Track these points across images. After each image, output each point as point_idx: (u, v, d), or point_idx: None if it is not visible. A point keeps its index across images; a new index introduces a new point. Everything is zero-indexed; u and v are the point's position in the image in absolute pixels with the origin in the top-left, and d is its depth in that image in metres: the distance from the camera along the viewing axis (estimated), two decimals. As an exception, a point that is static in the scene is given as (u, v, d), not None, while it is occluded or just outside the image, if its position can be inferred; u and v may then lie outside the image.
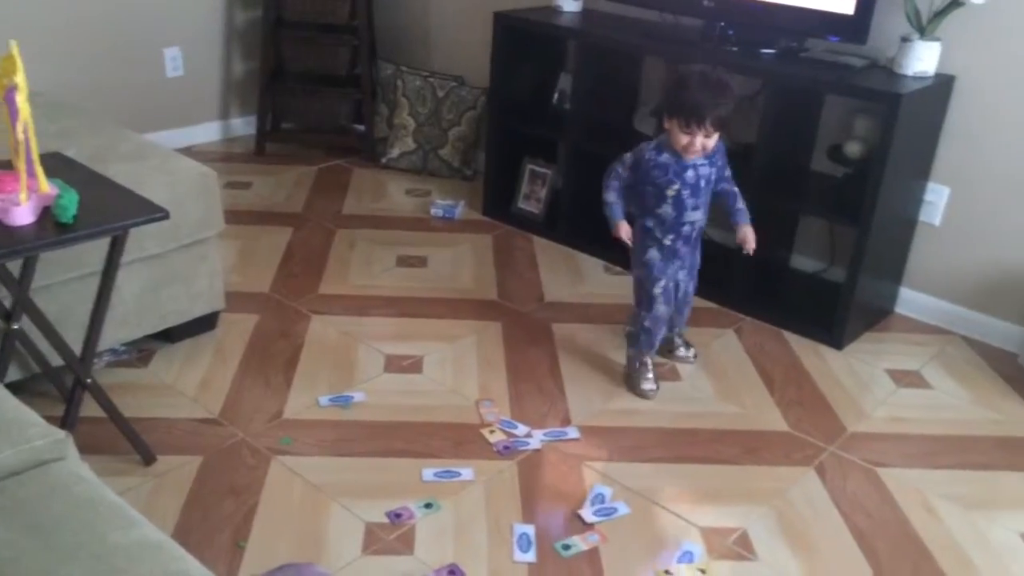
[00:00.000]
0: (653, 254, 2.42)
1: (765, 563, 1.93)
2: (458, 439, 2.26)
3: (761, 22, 2.88)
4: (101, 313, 2.00)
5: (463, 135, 3.91)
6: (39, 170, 1.79)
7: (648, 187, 2.37)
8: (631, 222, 2.43)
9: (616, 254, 3.22)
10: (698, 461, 2.25)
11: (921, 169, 2.82)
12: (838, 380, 2.63)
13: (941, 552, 1.99)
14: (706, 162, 2.35)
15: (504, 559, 1.89)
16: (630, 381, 2.52)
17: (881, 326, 2.94)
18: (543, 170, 3.51)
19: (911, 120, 2.58)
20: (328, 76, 4.08)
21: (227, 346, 2.60)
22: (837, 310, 2.77)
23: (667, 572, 1.88)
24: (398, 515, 1.99)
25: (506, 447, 2.24)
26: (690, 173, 2.33)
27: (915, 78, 2.64)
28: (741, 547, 1.97)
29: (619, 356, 2.62)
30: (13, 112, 1.70)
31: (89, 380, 2.01)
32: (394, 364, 2.57)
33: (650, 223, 2.41)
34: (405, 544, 1.91)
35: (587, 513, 2.03)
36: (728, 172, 2.44)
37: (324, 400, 2.38)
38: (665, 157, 2.33)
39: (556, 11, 3.34)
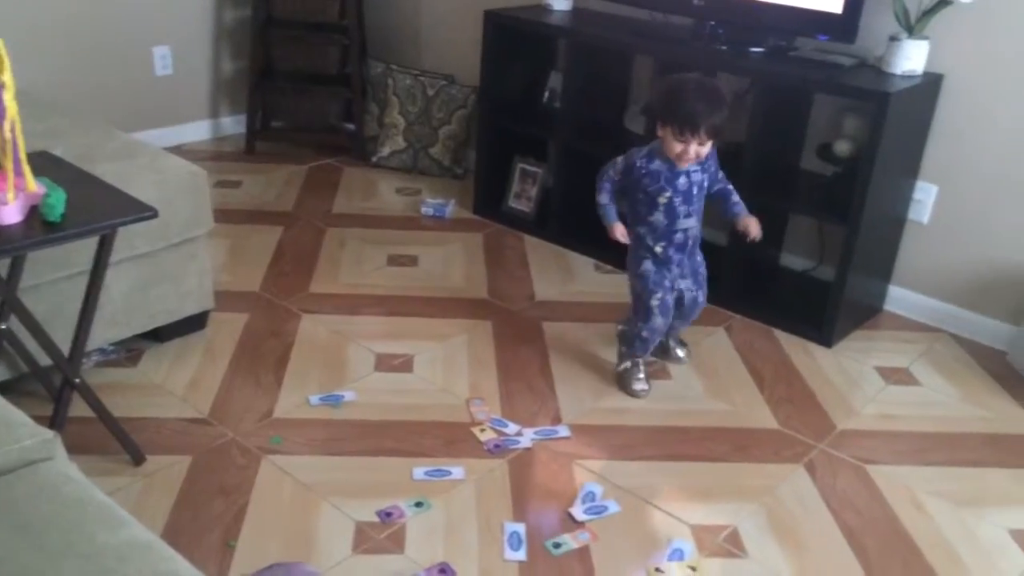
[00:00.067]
0: (648, 266, 2.41)
1: (755, 560, 1.94)
2: (449, 438, 2.26)
3: (750, 21, 2.89)
4: (89, 312, 1.99)
5: (453, 134, 3.91)
6: (26, 169, 1.78)
7: (639, 194, 2.36)
8: (625, 223, 2.42)
9: (607, 253, 3.23)
10: (688, 459, 2.25)
11: (910, 168, 2.83)
12: (828, 378, 2.64)
13: (930, 549, 2.00)
14: (699, 168, 2.34)
15: (495, 558, 1.89)
16: (621, 380, 2.52)
17: (870, 324, 2.95)
18: (534, 169, 3.51)
19: (899, 119, 2.59)
20: (318, 75, 4.07)
21: (217, 345, 2.59)
22: (827, 308, 2.78)
23: (658, 570, 1.89)
24: (388, 514, 1.99)
25: (497, 446, 2.24)
26: (682, 180, 2.32)
27: (903, 77, 2.65)
28: (731, 544, 1.98)
29: (610, 355, 2.63)
30: (0, 111, 1.69)
31: (78, 380, 2.00)
32: (384, 363, 2.56)
33: (642, 230, 2.40)
34: (395, 543, 1.91)
35: (578, 511, 2.03)
36: (720, 173, 2.44)
37: (314, 399, 2.38)
38: (656, 164, 2.32)
39: (546, 10, 3.34)
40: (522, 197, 3.53)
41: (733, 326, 2.89)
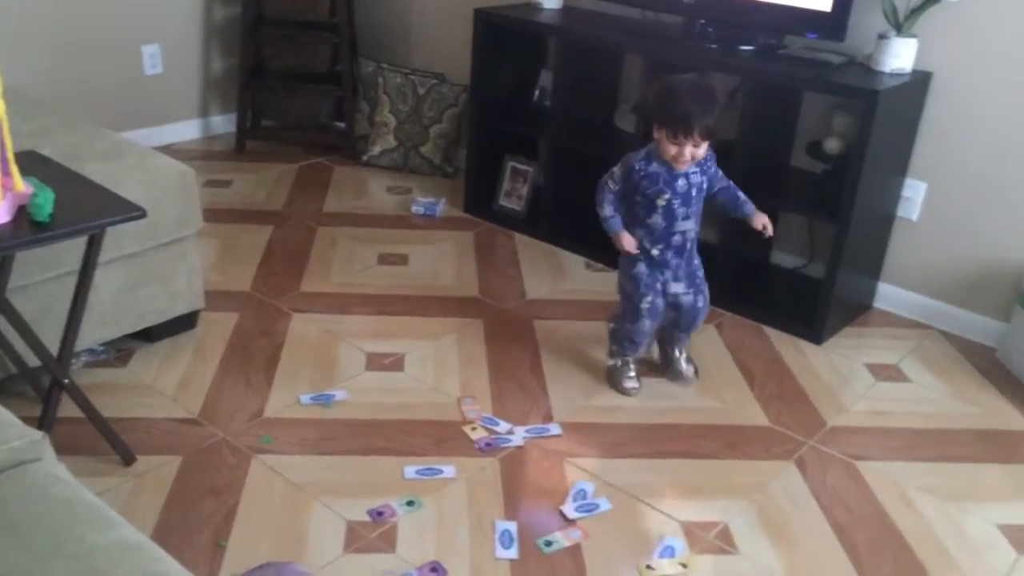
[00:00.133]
0: (641, 268, 2.38)
1: (746, 557, 1.94)
2: (440, 436, 2.26)
3: (740, 19, 2.89)
4: (78, 313, 1.98)
5: (444, 132, 3.91)
6: (14, 169, 1.77)
7: (637, 197, 2.32)
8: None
9: (598, 251, 3.24)
10: (679, 456, 2.26)
11: (899, 165, 2.85)
12: (818, 375, 2.65)
13: (920, 544, 2.01)
14: (697, 170, 2.31)
15: (486, 556, 1.89)
16: (612, 378, 2.52)
17: (860, 321, 2.97)
18: (524, 167, 3.51)
19: (888, 116, 2.60)
20: (308, 73, 4.07)
21: (207, 345, 2.58)
22: (817, 305, 2.79)
23: (649, 567, 1.89)
24: (380, 513, 1.98)
25: (488, 444, 2.24)
26: (681, 182, 2.30)
27: (892, 75, 2.66)
28: (722, 541, 1.98)
29: (601, 353, 2.63)
30: (-13, 110, 1.69)
31: (67, 380, 2.00)
32: (375, 362, 2.56)
33: (640, 233, 2.36)
34: (387, 542, 1.91)
35: (569, 509, 2.04)
36: (720, 172, 2.41)
37: (305, 399, 2.37)
38: (655, 167, 2.29)
39: (537, 8, 3.34)
40: (513, 196, 3.53)
41: (724, 324, 2.89)
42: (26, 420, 1.46)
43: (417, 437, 2.25)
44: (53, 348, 2.00)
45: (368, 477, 2.10)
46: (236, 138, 4.08)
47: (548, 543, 1.94)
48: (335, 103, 4.16)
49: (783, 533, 2.02)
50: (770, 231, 2.42)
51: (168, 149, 3.91)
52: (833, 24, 2.68)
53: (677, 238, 2.35)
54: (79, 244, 1.93)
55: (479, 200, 3.56)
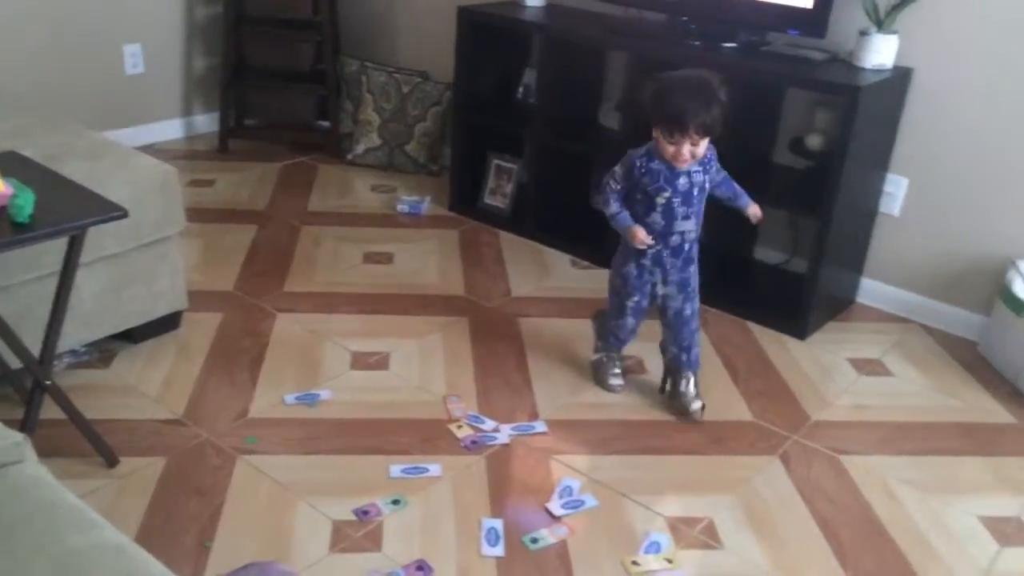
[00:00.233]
0: (631, 269, 2.33)
1: (731, 552, 1.95)
2: (425, 435, 2.26)
3: (723, 16, 2.90)
4: (60, 314, 1.97)
5: (428, 131, 3.90)
6: (-7, 169, 1.76)
7: (638, 195, 2.26)
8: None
9: (582, 248, 3.25)
10: (664, 452, 2.27)
11: (880, 160, 2.86)
12: (801, 370, 2.66)
13: (902, 536, 2.02)
14: (700, 168, 2.24)
15: (472, 553, 1.89)
16: (597, 374, 2.53)
17: (843, 316, 2.98)
18: (509, 165, 3.51)
19: (870, 112, 2.61)
20: (291, 72, 4.06)
21: (191, 346, 2.57)
22: (800, 301, 2.80)
23: (635, 563, 1.90)
24: (365, 512, 1.98)
25: (474, 442, 2.24)
26: (683, 180, 2.22)
27: (873, 71, 2.68)
28: (707, 536, 1.99)
29: (586, 350, 2.63)
30: (-35, 110, 1.67)
31: (49, 382, 1.98)
32: (361, 361, 2.56)
33: None
34: (373, 541, 1.91)
35: (555, 506, 2.04)
36: (717, 166, 2.33)
37: (290, 398, 2.37)
38: (656, 163, 2.21)
39: (520, 6, 3.34)
40: (497, 193, 3.53)
41: (708, 320, 2.90)
42: (8, 422, 1.45)
43: (403, 436, 2.25)
44: (35, 350, 1.98)
45: (353, 476, 2.10)
46: (219, 137, 4.06)
47: (534, 540, 1.94)
48: (319, 102, 4.15)
49: (768, 527, 2.03)
50: (759, 218, 2.40)
51: (150, 149, 3.89)
52: (815, 21, 2.69)
53: (675, 238, 2.28)
54: (60, 245, 1.92)
55: (464, 198, 3.56)
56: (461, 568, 1.85)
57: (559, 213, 3.39)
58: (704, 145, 2.18)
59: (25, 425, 1.99)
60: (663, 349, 2.47)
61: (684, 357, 2.39)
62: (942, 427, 2.44)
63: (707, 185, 2.28)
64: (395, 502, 2.02)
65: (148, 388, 2.37)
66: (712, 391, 2.52)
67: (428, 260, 3.19)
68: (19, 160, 2.03)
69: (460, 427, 2.29)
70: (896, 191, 2.90)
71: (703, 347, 2.73)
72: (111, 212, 1.85)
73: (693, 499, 2.10)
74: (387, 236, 3.35)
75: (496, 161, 3.53)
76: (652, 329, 2.47)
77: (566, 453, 2.23)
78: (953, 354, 2.79)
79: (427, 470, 2.13)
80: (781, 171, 3.04)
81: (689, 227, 2.28)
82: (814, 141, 2.86)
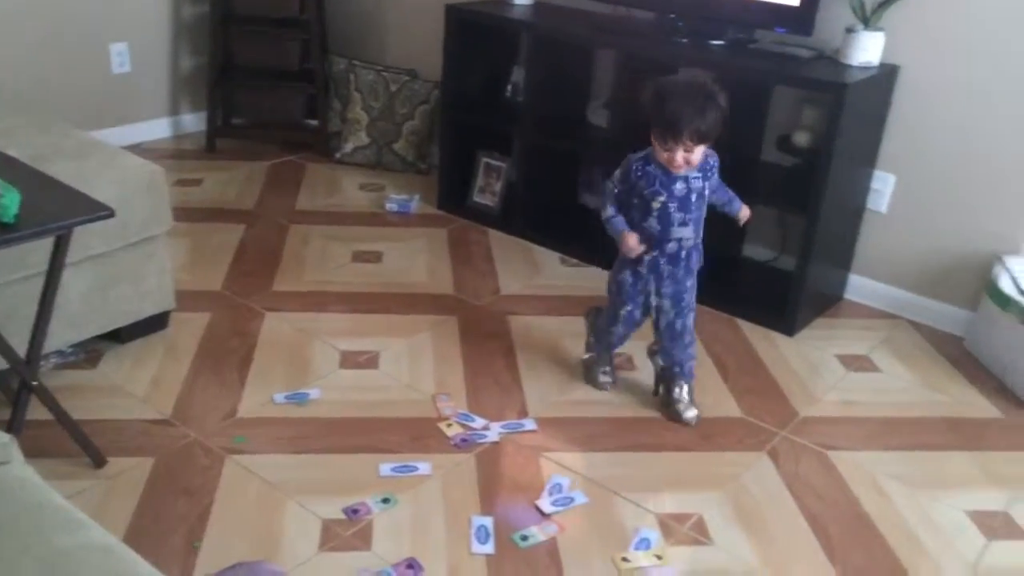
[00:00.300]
0: (626, 276, 2.30)
1: (721, 548, 1.96)
2: (415, 433, 2.26)
3: (710, 14, 2.91)
4: (46, 314, 1.96)
5: (417, 129, 3.90)
6: (-22, 169, 1.75)
7: (634, 199, 2.23)
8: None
9: (572, 246, 3.25)
10: (654, 449, 2.27)
11: (867, 157, 2.88)
12: (790, 366, 2.67)
13: (890, 531, 2.03)
14: (699, 175, 2.20)
15: (462, 551, 1.89)
16: (587, 373, 2.53)
17: (831, 312, 3.00)
18: (497, 163, 3.51)
19: (857, 109, 2.62)
20: (279, 71, 4.04)
21: (179, 345, 2.56)
22: (788, 297, 2.81)
23: (625, 559, 1.90)
24: (355, 511, 1.98)
25: (463, 440, 2.24)
26: (680, 185, 2.18)
27: (860, 68, 2.69)
28: (697, 532, 2.00)
29: (575, 347, 2.63)
30: (-51, 109, 1.66)
31: (35, 383, 1.97)
32: (350, 360, 2.55)
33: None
34: (362, 540, 1.91)
35: (545, 503, 2.04)
36: (716, 177, 2.30)
37: (279, 397, 2.36)
38: (653, 167, 2.18)
39: (508, 4, 3.33)
40: (486, 192, 3.53)
41: (697, 318, 2.90)
42: (-7, 423, 1.45)
43: (392, 434, 2.25)
44: (21, 350, 1.97)
45: (343, 475, 2.10)
46: (206, 136, 4.05)
47: (524, 538, 1.94)
48: (306, 100, 4.14)
49: (757, 523, 2.04)
50: (748, 217, 2.40)
51: (137, 148, 3.87)
52: (802, 18, 2.71)
53: (672, 245, 2.24)
54: (46, 245, 1.91)
55: (453, 196, 3.56)
56: (451, 566, 1.85)
57: (548, 211, 3.39)
58: (700, 152, 2.14)
59: (12, 426, 1.98)
60: (650, 354, 2.47)
61: (677, 370, 2.38)
62: (929, 422, 2.45)
63: (707, 192, 2.24)
64: (385, 501, 2.01)
65: (136, 388, 2.36)
66: (701, 388, 2.53)
67: (417, 259, 3.19)
68: (5, 160, 2.02)
69: (450, 425, 2.29)
70: (883, 188, 2.92)
71: (692, 344, 2.75)
72: (98, 212, 1.84)
73: (683, 495, 2.11)
74: (376, 235, 3.34)
75: (485, 159, 3.53)
76: (645, 327, 2.47)
77: (556, 451, 2.23)
78: (940, 349, 2.81)
79: (417, 468, 2.13)
80: (769, 168, 3.05)
81: (687, 234, 2.24)
82: (801, 138, 2.88)
